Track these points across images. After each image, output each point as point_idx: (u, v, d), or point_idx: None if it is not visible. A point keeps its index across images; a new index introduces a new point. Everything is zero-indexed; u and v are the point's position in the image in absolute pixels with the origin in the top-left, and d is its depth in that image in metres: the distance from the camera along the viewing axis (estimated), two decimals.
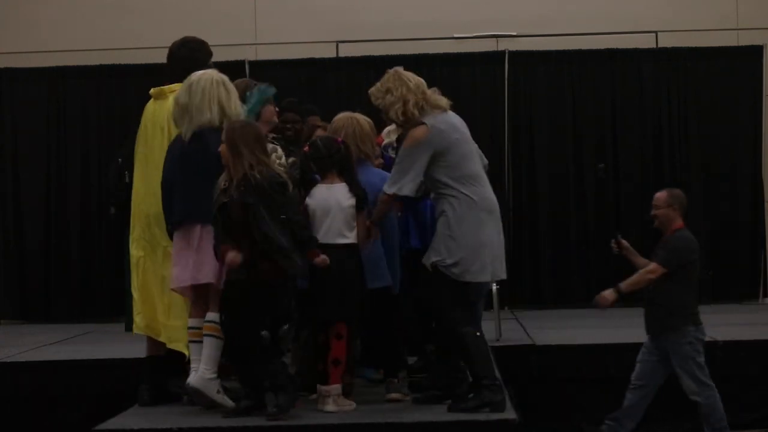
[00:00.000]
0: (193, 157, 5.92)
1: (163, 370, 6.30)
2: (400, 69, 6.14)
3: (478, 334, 5.94)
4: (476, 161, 6.05)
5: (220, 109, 5.95)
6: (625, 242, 7.21)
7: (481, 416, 5.79)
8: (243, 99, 6.56)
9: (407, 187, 5.92)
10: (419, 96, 6.01)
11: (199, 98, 5.93)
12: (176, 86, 6.28)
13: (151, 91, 6.50)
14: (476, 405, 5.86)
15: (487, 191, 6.01)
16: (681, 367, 6.94)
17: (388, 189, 5.97)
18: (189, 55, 6.47)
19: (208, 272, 5.89)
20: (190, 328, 6.01)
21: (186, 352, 6.14)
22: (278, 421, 5.66)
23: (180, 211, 5.97)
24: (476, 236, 5.89)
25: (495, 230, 5.99)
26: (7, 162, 11.48)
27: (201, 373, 5.87)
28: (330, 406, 5.94)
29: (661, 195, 7.06)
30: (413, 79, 6.06)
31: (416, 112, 5.97)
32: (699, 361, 6.96)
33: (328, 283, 5.90)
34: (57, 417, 7.86)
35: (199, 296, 5.99)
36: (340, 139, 6.13)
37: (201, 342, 5.94)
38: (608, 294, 7.02)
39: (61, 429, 7.81)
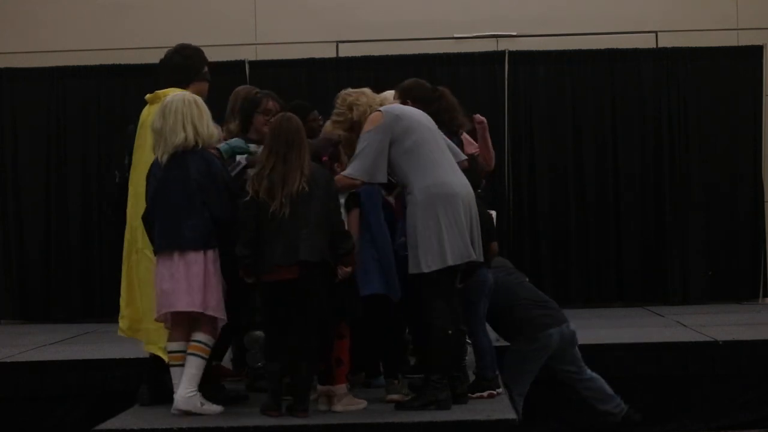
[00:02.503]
0: (172, 183, 5.95)
1: (163, 371, 6.29)
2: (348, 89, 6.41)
3: (449, 331, 5.96)
4: (435, 147, 6.07)
5: (193, 128, 5.97)
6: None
7: (481, 416, 5.80)
8: (244, 105, 6.60)
9: (378, 173, 5.96)
10: (378, 101, 6.27)
11: (172, 120, 5.96)
12: (170, 90, 6.31)
13: (147, 96, 6.52)
14: (422, 403, 5.92)
15: (446, 176, 6.01)
16: None
17: (359, 175, 5.95)
18: (182, 62, 6.50)
19: (189, 301, 5.91)
20: (170, 351, 6.02)
21: (164, 357, 6.15)
22: (302, 419, 5.73)
23: (158, 240, 6.01)
24: (431, 225, 5.92)
25: (454, 214, 5.96)
26: (7, 162, 11.49)
27: (181, 392, 5.90)
28: (337, 406, 5.96)
29: None
30: (366, 90, 6.38)
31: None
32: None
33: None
34: (57, 417, 7.86)
35: (179, 321, 6.00)
36: (325, 158, 6.11)
37: (182, 366, 5.96)
38: None
39: (61, 429, 7.81)
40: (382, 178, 5.99)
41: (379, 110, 6.08)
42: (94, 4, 11.62)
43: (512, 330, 7.00)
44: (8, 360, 8.16)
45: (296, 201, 5.73)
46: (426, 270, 5.92)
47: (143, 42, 11.06)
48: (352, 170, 5.97)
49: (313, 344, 5.87)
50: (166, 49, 6.66)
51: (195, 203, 5.91)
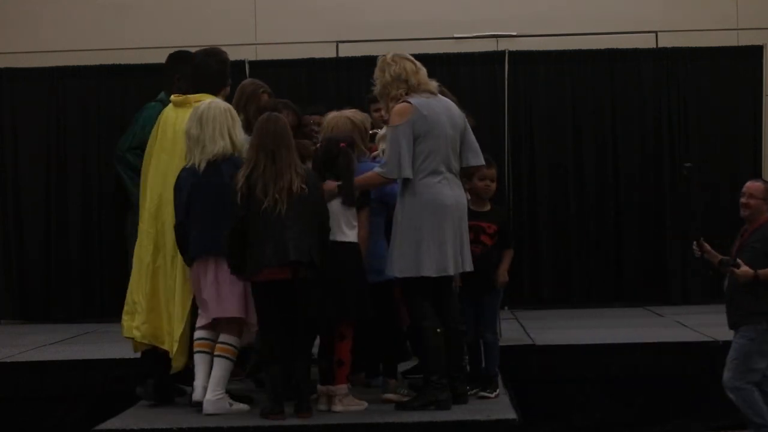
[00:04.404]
0: (206, 189, 6.00)
1: (166, 366, 6.29)
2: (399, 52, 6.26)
3: (438, 330, 5.97)
4: (443, 156, 6.06)
5: (230, 137, 6.06)
6: (707, 245, 6.99)
7: (481, 416, 5.81)
8: (251, 100, 6.62)
9: (406, 169, 5.95)
10: (413, 78, 6.12)
11: (211, 128, 6.02)
12: (201, 96, 6.34)
13: (173, 98, 6.50)
14: (422, 404, 5.95)
15: (441, 187, 6.03)
16: (729, 356, 6.75)
17: (389, 174, 5.98)
18: (220, 69, 6.53)
19: (231, 307, 5.97)
20: (197, 339, 6.06)
21: (182, 362, 6.18)
22: (306, 419, 5.74)
23: (195, 247, 6.04)
24: (412, 233, 5.95)
25: (439, 226, 5.98)
26: (7, 162, 11.48)
27: (209, 396, 5.94)
28: (337, 406, 5.97)
29: (758, 186, 6.90)
30: (409, 59, 6.20)
31: (402, 93, 6.09)
32: (745, 361, 6.64)
33: (330, 284, 5.90)
34: (57, 417, 7.86)
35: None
36: (343, 144, 6.14)
37: (207, 353, 6.02)
38: (747, 270, 6.62)
39: (61, 429, 7.81)
40: (408, 173, 5.99)
41: (409, 102, 6.04)
42: (94, 4, 11.61)
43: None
44: (8, 360, 8.16)
45: (292, 201, 5.73)
46: (398, 275, 5.96)
47: (143, 42, 11.07)
48: (385, 169, 6.01)
49: (308, 345, 5.88)
50: (166, 50, 6.67)
51: (230, 210, 5.93)
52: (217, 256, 5.97)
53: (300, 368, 5.84)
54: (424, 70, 6.21)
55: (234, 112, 6.16)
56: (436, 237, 5.97)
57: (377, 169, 6.08)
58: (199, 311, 6.13)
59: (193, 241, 6.04)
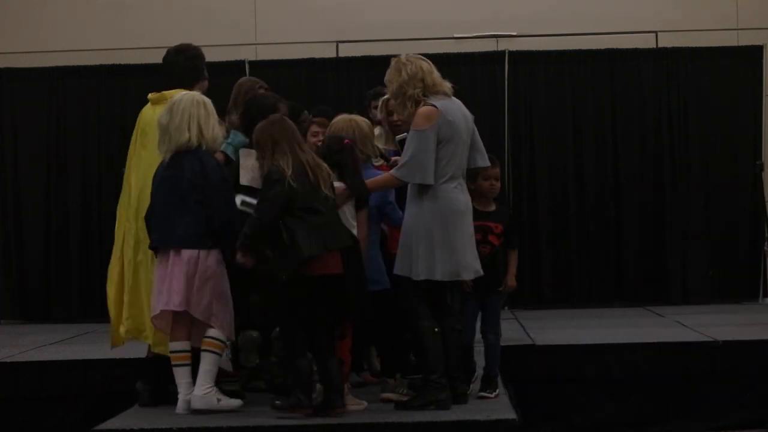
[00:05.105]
0: (168, 182, 5.97)
1: (163, 371, 6.29)
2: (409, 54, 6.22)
3: (435, 330, 5.97)
4: (458, 162, 6.06)
5: (198, 129, 5.97)
6: None
7: (481, 416, 5.81)
8: (245, 98, 6.61)
9: (429, 174, 5.93)
10: (428, 78, 6.08)
11: (179, 118, 5.96)
12: (176, 92, 6.30)
13: (150, 95, 6.51)
14: (422, 404, 5.93)
15: (456, 192, 6.03)
16: None
17: (408, 177, 5.95)
18: (189, 64, 6.51)
19: (179, 301, 5.90)
20: (173, 351, 6.02)
21: (162, 349, 6.18)
22: (328, 417, 5.73)
23: (153, 238, 6.03)
24: (428, 237, 5.94)
25: (453, 231, 5.97)
26: (7, 162, 11.49)
27: (197, 391, 5.90)
28: None
29: None
30: (424, 59, 6.17)
31: (419, 93, 6.03)
32: None
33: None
34: (57, 417, 7.85)
35: (180, 320, 6.00)
36: (347, 140, 6.15)
37: (186, 365, 5.98)
38: None
39: (61, 429, 7.81)
40: (430, 179, 5.96)
41: (435, 106, 6.01)
42: (94, 4, 11.62)
43: None
44: (8, 360, 8.16)
45: (329, 189, 5.82)
46: (415, 278, 5.95)
47: (143, 42, 11.07)
48: (404, 171, 5.96)
49: (331, 341, 5.91)
50: (166, 49, 6.66)
51: (188, 202, 5.92)
52: (175, 248, 5.92)
53: (334, 364, 5.83)
54: (437, 71, 6.20)
55: (209, 105, 6.07)
56: (450, 242, 5.96)
57: (393, 172, 6.04)
58: (152, 306, 6.05)
59: (152, 232, 6.03)
